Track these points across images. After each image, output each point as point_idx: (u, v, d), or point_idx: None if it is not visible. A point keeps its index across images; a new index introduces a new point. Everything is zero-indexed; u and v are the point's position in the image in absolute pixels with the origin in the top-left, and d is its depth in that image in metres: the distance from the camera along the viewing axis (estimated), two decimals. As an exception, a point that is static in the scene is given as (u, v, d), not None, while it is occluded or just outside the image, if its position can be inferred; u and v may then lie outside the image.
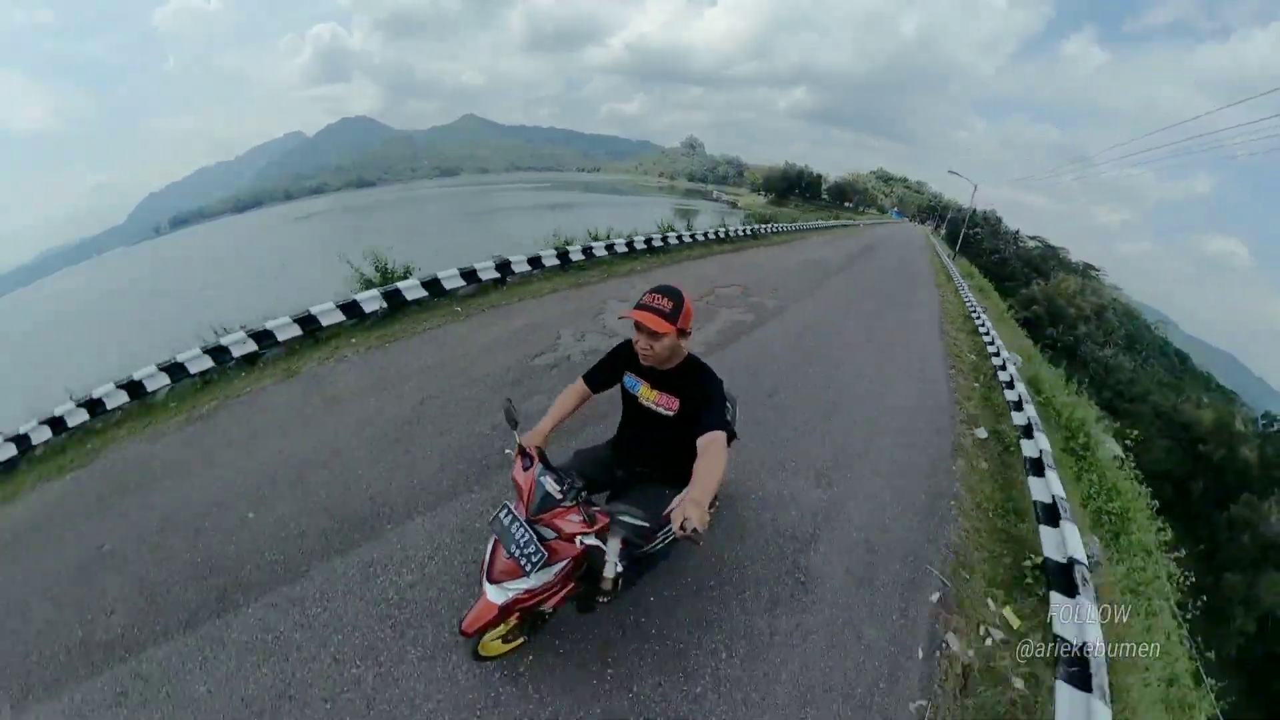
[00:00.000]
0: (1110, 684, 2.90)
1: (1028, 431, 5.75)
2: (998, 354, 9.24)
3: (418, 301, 8.50)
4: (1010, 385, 7.48)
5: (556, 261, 11.08)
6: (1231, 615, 20.60)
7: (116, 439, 5.94)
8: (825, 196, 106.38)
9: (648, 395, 2.47)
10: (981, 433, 6.12)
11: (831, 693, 2.86)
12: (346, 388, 5.95)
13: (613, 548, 2.04)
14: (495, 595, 2.26)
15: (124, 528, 4.17)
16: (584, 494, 2.30)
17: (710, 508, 2.77)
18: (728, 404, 2.60)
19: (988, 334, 11.02)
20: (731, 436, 2.39)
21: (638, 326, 2.23)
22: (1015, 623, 3.59)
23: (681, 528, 1.73)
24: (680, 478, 2.18)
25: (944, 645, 3.28)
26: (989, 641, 3.42)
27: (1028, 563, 4.07)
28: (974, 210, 50.80)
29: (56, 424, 6.57)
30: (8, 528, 4.78)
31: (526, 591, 2.26)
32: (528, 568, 2.21)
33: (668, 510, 1.82)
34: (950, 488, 4.84)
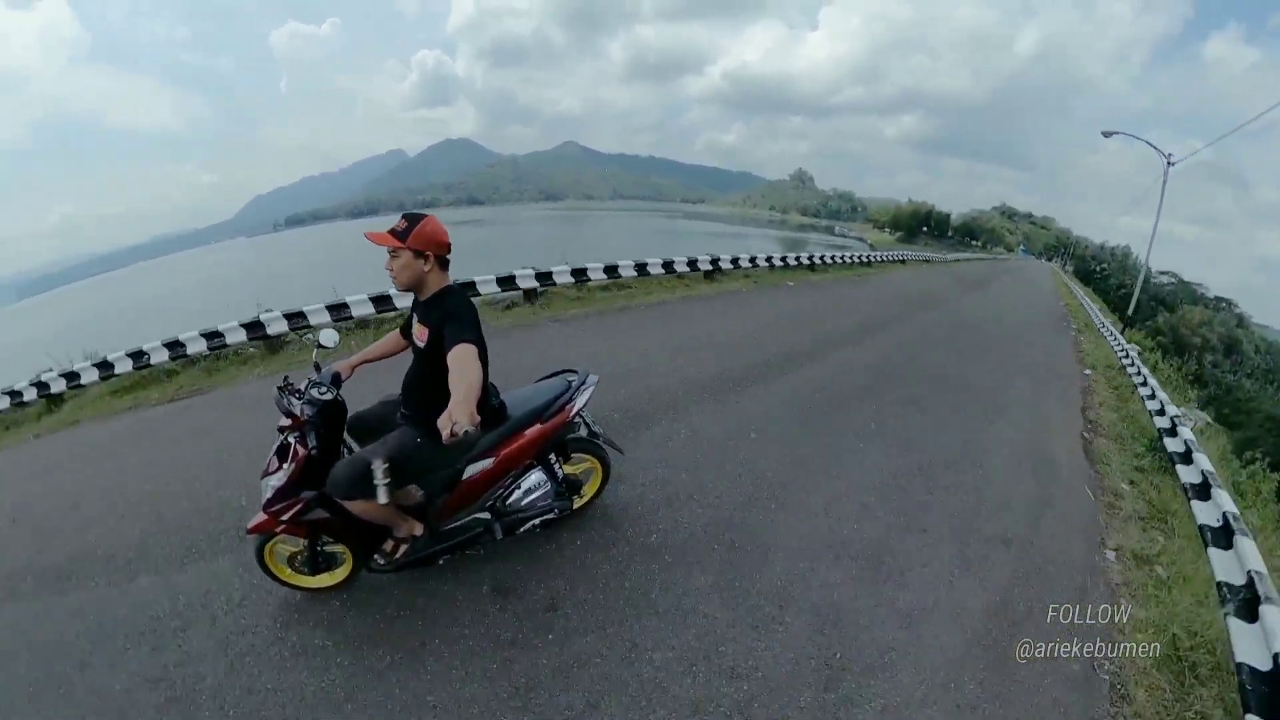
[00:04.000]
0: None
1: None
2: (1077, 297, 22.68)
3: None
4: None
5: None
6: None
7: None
8: (952, 234, 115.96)
9: (416, 330, 2.56)
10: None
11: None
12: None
13: (378, 468, 2.23)
14: (263, 493, 2.63)
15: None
16: (319, 402, 2.62)
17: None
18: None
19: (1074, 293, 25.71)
20: (482, 350, 2.34)
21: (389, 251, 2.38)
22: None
23: (452, 434, 1.86)
24: (427, 414, 2.22)
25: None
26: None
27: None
28: (1102, 246, 60.51)
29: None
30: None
31: (275, 490, 2.58)
32: (270, 461, 2.65)
33: (441, 427, 1.89)
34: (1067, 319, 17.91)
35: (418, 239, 2.34)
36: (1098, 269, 63.75)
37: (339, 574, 2.98)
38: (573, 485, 3.27)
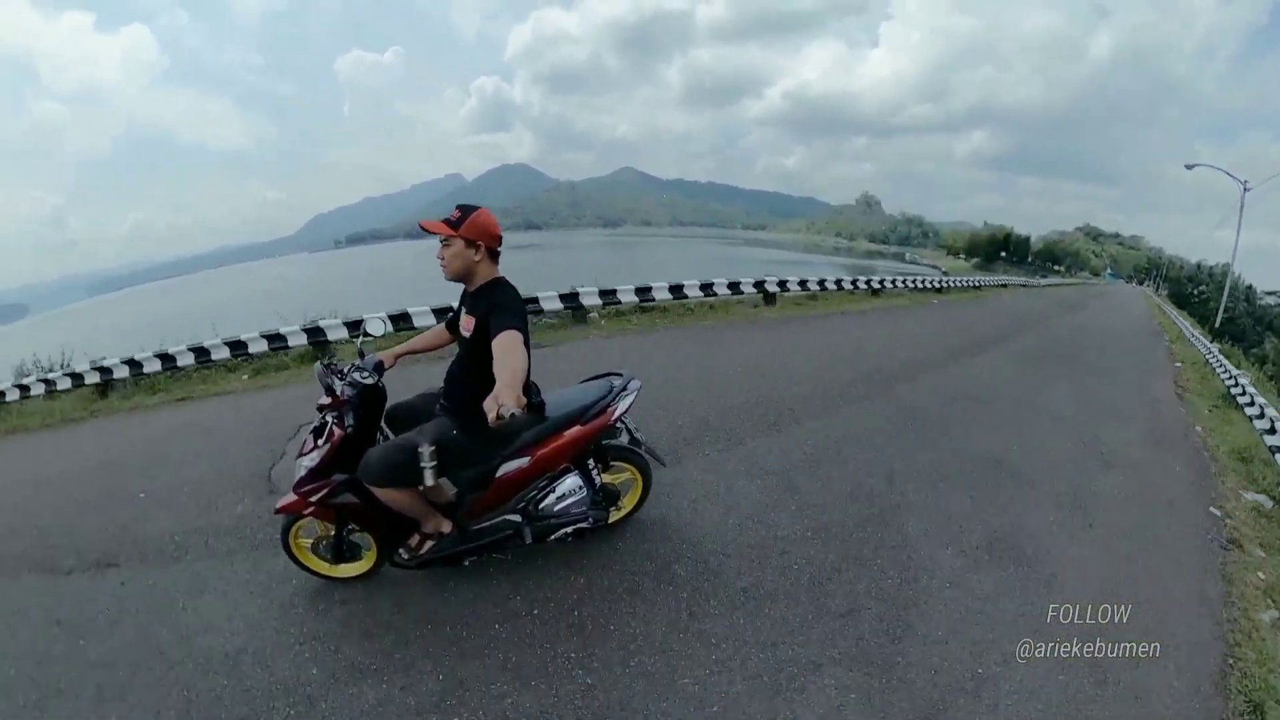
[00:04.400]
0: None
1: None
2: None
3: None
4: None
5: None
6: None
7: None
8: (1032, 260, 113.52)
9: (463, 321, 2.65)
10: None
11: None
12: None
13: (425, 452, 2.32)
14: (296, 472, 2.71)
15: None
16: (359, 384, 2.68)
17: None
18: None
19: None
20: (527, 339, 2.38)
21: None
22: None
23: (498, 416, 1.89)
24: (467, 406, 2.32)
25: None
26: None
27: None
28: (1199, 266, 59.46)
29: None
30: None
31: (307, 470, 2.67)
32: (306, 441, 2.77)
33: (488, 411, 1.93)
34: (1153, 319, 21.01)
35: (470, 228, 2.48)
36: (1194, 292, 60.44)
37: (362, 565, 3.08)
38: (610, 495, 3.31)
